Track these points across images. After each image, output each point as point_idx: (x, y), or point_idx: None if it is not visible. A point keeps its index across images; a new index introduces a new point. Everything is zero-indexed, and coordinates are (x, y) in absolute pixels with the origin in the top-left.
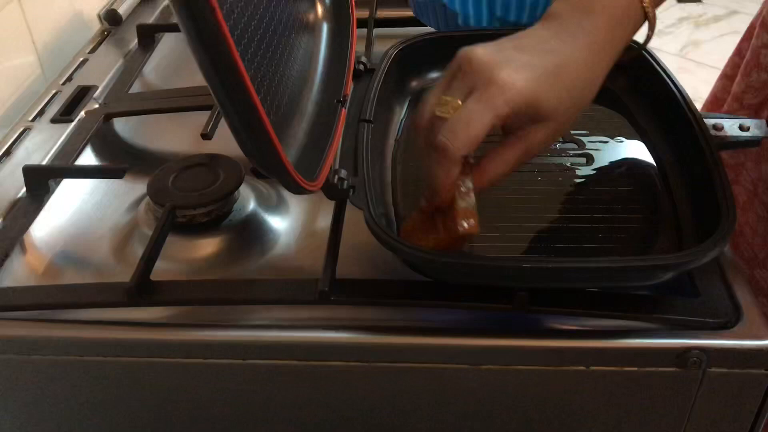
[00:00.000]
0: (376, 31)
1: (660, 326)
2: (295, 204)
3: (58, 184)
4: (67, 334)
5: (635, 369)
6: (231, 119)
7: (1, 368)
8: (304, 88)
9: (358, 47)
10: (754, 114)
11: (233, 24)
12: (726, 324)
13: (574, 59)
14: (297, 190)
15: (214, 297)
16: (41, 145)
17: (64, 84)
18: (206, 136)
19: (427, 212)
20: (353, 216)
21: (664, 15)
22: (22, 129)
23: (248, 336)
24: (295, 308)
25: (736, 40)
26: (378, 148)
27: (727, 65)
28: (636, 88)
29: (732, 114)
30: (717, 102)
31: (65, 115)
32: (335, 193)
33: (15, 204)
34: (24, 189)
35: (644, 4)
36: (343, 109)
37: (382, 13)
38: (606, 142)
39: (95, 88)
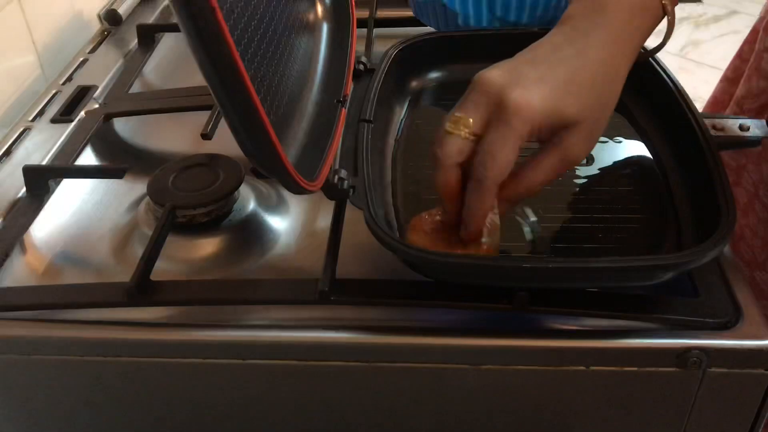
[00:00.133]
0: (376, 31)
1: (660, 326)
2: (295, 204)
3: (58, 184)
4: (67, 334)
5: (635, 369)
6: (231, 119)
7: (1, 368)
8: (304, 88)
9: (358, 47)
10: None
11: (233, 24)
12: (726, 324)
13: (588, 59)
14: (297, 190)
15: (214, 297)
16: (41, 145)
17: (64, 84)
18: (206, 136)
19: (441, 222)
20: (353, 216)
21: None
22: (22, 129)
23: (248, 336)
24: (295, 308)
25: (736, 40)
26: (378, 148)
27: (728, 68)
28: (636, 88)
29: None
30: (717, 105)
31: (65, 115)
32: (335, 193)
33: (15, 204)
34: (24, 189)
35: (663, 1)
36: (343, 109)
37: (382, 13)
38: (605, 142)
39: (95, 88)
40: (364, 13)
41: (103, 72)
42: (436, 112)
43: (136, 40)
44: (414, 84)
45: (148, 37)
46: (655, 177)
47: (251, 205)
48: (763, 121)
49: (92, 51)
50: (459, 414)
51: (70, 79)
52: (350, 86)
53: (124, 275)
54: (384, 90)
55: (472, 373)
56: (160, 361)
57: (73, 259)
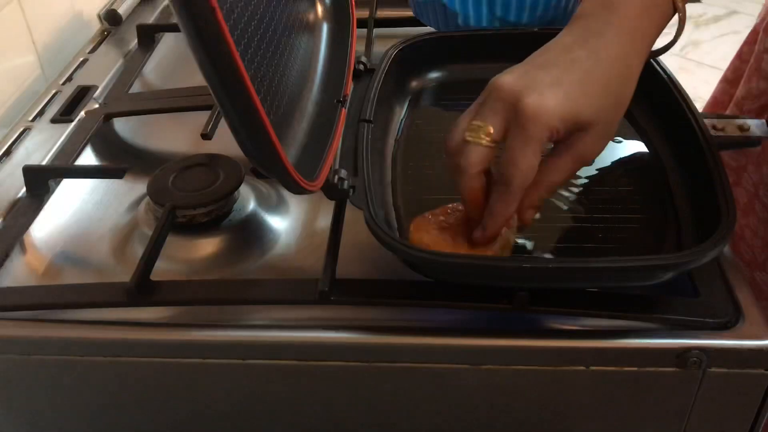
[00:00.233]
0: (376, 31)
1: (660, 326)
2: (295, 204)
3: (58, 184)
4: (67, 334)
5: (635, 369)
6: (231, 119)
7: (1, 368)
8: (304, 88)
9: (358, 47)
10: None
11: (233, 24)
12: (726, 324)
13: (601, 59)
14: (297, 190)
15: (214, 297)
16: (41, 145)
17: (64, 84)
18: (206, 136)
19: (449, 222)
20: (353, 216)
21: None
22: (22, 129)
23: (248, 336)
24: (295, 308)
25: (736, 40)
26: (378, 148)
27: (728, 69)
28: (635, 88)
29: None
30: (717, 105)
31: (65, 115)
32: (335, 193)
33: (15, 204)
34: (24, 189)
35: None
36: (343, 109)
37: (382, 13)
38: None
39: (95, 88)
40: (364, 13)
41: (103, 72)
42: (436, 112)
43: (136, 40)
44: (414, 84)
45: (148, 37)
46: (655, 177)
47: (251, 205)
48: (763, 122)
49: (92, 51)
50: (459, 414)
51: (70, 79)
52: (350, 86)
53: (124, 275)
54: (384, 90)
55: (472, 373)
56: (160, 361)
57: (73, 259)
